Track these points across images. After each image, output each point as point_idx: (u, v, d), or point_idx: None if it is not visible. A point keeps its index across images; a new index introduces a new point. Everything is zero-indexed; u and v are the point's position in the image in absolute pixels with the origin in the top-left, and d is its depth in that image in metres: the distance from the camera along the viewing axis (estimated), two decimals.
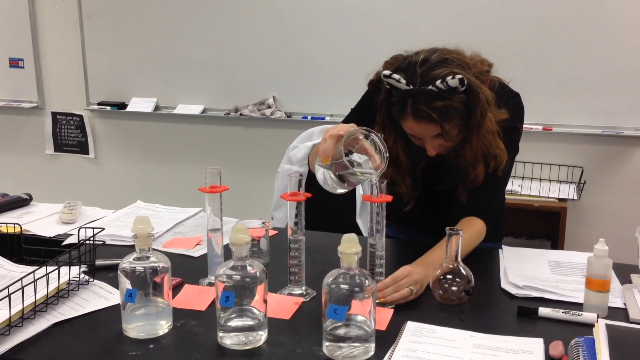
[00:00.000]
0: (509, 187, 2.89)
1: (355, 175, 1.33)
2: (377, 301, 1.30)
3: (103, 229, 1.51)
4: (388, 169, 1.54)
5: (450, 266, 1.33)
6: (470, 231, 1.50)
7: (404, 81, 1.41)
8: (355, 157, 1.36)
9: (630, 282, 1.43)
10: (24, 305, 1.18)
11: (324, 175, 1.36)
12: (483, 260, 1.61)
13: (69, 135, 3.86)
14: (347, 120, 1.71)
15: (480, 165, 1.50)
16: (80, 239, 1.44)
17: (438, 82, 1.37)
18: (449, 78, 1.37)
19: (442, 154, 1.54)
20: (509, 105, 1.54)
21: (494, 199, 1.59)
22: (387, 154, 1.33)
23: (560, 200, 2.89)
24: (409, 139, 1.53)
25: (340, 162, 1.30)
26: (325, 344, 1.12)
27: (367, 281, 1.09)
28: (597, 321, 1.18)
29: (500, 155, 1.49)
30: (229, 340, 1.15)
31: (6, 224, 1.66)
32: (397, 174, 1.59)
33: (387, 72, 1.43)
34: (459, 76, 1.37)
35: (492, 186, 1.56)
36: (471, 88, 1.41)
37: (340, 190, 1.37)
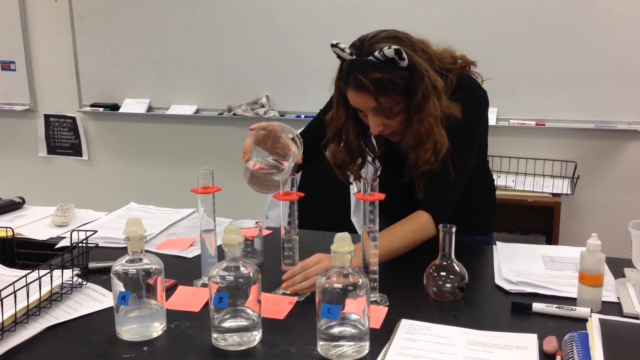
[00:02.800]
0: (502, 182, 2.92)
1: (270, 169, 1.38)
2: (284, 290, 1.34)
3: (96, 231, 1.51)
4: (340, 152, 1.58)
5: (444, 263, 1.33)
6: (412, 225, 1.48)
7: (348, 51, 1.43)
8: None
9: (624, 276, 1.44)
10: (17, 310, 1.18)
11: (245, 174, 1.38)
12: (477, 256, 1.62)
13: (62, 138, 3.84)
14: (315, 119, 1.74)
15: (421, 149, 1.47)
16: (73, 241, 1.43)
17: (376, 53, 1.38)
18: (385, 48, 1.37)
19: (389, 135, 1.53)
20: (463, 100, 1.51)
21: (446, 195, 1.53)
22: (302, 142, 1.42)
23: (554, 195, 2.90)
24: (363, 121, 1.53)
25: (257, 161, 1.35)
26: (320, 343, 1.12)
27: (360, 280, 1.09)
28: (591, 316, 1.18)
29: (441, 141, 1.46)
30: (223, 341, 1.15)
31: None
32: (347, 156, 1.59)
33: (333, 42, 1.45)
34: (395, 47, 1.37)
35: (445, 182, 1.51)
36: (415, 68, 1.41)
37: (269, 187, 1.40)
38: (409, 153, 1.50)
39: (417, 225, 1.48)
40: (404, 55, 1.38)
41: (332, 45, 1.44)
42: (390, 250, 1.43)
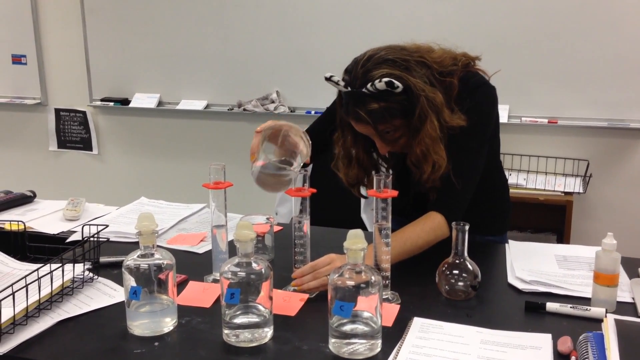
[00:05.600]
0: (514, 180, 2.90)
1: (278, 170, 1.37)
2: (294, 288, 1.33)
3: (107, 225, 1.51)
4: (352, 170, 1.56)
5: (457, 261, 1.32)
6: (424, 225, 1.46)
7: (342, 83, 1.44)
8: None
9: (638, 276, 1.42)
10: (29, 304, 1.18)
11: (254, 174, 1.37)
12: (490, 255, 1.60)
13: (72, 132, 3.85)
14: (322, 115, 1.74)
15: (421, 168, 1.47)
16: (84, 236, 1.43)
17: (369, 86, 1.38)
18: (377, 81, 1.37)
19: (400, 151, 1.54)
20: (469, 100, 1.49)
21: (457, 196, 1.51)
22: (310, 142, 1.42)
23: (566, 193, 2.88)
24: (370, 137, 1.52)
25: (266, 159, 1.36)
26: (332, 340, 1.11)
27: (373, 277, 1.08)
28: (606, 316, 1.17)
29: (439, 162, 1.45)
30: (234, 337, 1.14)
31: (10, 221, 1.66)
32: (360, 173, 1.59)
33: (327, 75, 1.45)
34: (386, 79, 1.36)
35: (455, 185, 1.49)
36: (411, 90, 1.40)
37: (280, 184, 1.38)
38: (413, 170, 1.50)
39: (429, 226, 1.46)
40: (397, 84, 1.37)
41: (326, 79, 1.45)
42: (403, 252, 1.42)
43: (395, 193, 1.27)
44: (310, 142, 1.43)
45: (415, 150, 1.45)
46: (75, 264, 1.33)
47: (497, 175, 1.74)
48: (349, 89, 1.43)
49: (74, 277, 1.33)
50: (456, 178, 1.47)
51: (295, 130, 1.44)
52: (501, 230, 1.76)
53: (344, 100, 1.47)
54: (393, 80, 1.37)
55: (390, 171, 1.69)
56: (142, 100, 3.58)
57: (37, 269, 1.22)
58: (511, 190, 2.83)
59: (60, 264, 1.27)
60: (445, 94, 1.47)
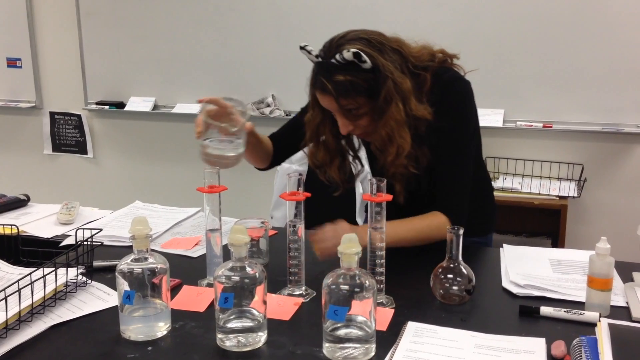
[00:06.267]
0: (509, 184, 2.91)
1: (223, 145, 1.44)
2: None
3: (101, 229, 1.50)
4: (319, 152, 1.58)
5: (451, 266, 1.32)
6: (431, 221, 1.50)
7: (314, 53, 1.46)
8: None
9: (632, 280, 1.42)
10: (21, 308, 1.17)
11: (201, 151, 1.45)
12: (484, 259, 1.61)
13: (67, 135, 3.84)
14: (294, 117, 1.78)
15: (385, 152, 1.47)
16: (78, 240, 1.43)
17: (337, 56, 1.39)
18: (344, 51, 1.38)
19: (361, 135, 1.55)
20: (441, 96, 1.50)
21: (460, 196, 1.53)
22: (248, 111, 1.49)
23: (561, 197, 2.88)
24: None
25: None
26: (326, 345, 1.11)
27: (367, 281, 1.08)
28: (600, 320, 1.17)
29: (403, 145, 1.45)
30: (228, 341, 1.14)
31: (3, 225, 1.65)
32: (325, 156, 1.59)
33: (302, 44, 1.47)
34: (354, 49, 1.37)
35: (456, 183, 1.53)
36: (379, 70, 1.41)
37: (225, 153, 1.45)
38: (377, 155, 1.51)
39: (435, 223, 1.49)
40: (364, 57, 1.38)
41: (301, 48, 1.47)
42: (403, 238, 1.45)
43: (389, 197, 1.27)
44: (249, 114, 1.51)
45: (380, 132, 1.46)
46: (69, 268, 1.33)
47: (480, 174, 1.73)
48: (320, 60, 1.45)
49: (67, 281, 1.32)
50: (453, 180, 1.48)
51: (237, 104, 1.50)
52: (485, 231, 1.75)
53: (313, 73, 1.48)
54: (361, 53, 1.38)
55: (360, 161, 1.68)
56: (138, 103, 3.58)
57: (30, 273, 1.21)
58: (506, 194, 2.88)
59: (54, 268, 1.27)
60: (417, 86, 1.48)
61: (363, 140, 1.64)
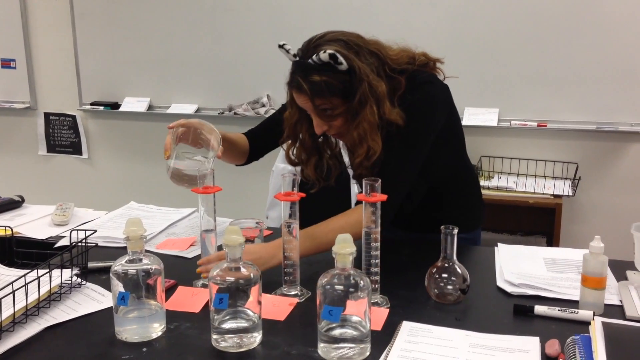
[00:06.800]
0: (503, 183, 2.91)
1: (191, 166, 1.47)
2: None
3: (95, 230, 1.50)
4: (297, 149, 1.62)
5: (446, 265, 1.32)
6: (349, 218, 1.46)
7: (292, 52, 1.47)
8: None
9: (626, 279, 1.43)
10: (16, 310, 1.17)
11: (168, 171, 1.49)
12: (478, 258, 1.61)
13: (62, 136, 3.83)
14: (271, 115, 1.79)
15: (355, 153, 1.48)
16: (72, 241, 1.43)
17: (314, 56, 1.41)
18: (321, 52, 1.40)
19: (335, 136, 1.57)
20: (409, 99, 1.49)
21: (392, 195, 1.39)
22: (220, 137, 1.51)
23: (556, 196, 2.89)
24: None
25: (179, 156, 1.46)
26: (321, 345, 1.11)
27: (362, 281, 1.08)
28: (594, 319, 1.18)
29: (374, 148, 1.45)
30: (223, 342, 1.14)
31: None
32: (302, 154, 1.61)
33: (280, 43, 1.48)
34: (330, 51, 1.39)
35: (391, 181, 1.43)
36: (354, 72, 1.42)
37: (191, 173, 1.46)
38: (349, 156, 1.52)
39: (354, 219, 1.43)
40: (340, 59, 1.40)
41: (279, 46, 1.48)
42: (324, 243, 1.41)
43: (384, 197, 1.27)
44: (220, 136, 1.51)
45: (352, 134, 1.47)
46: (63, 270, 1.33)
47: (464, 172, 1.74)
48: (297, 59, 1.46)
49: (61, 283, 1.32)
50: (389, 175, 1.44)
51: (207, 127, 1.52)
52: (471, 228, 1.75)
53: (290, 71, 1.49)
54: (337, 55, 1.39)
55: (337, 159, 1.68)
56: (132, 104, 3.57)
57: (25, 275, 1.21)
58: (501, 193, 2.88)
59: (48, 270, 1.27)
60: (391, 90, 1.48)
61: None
